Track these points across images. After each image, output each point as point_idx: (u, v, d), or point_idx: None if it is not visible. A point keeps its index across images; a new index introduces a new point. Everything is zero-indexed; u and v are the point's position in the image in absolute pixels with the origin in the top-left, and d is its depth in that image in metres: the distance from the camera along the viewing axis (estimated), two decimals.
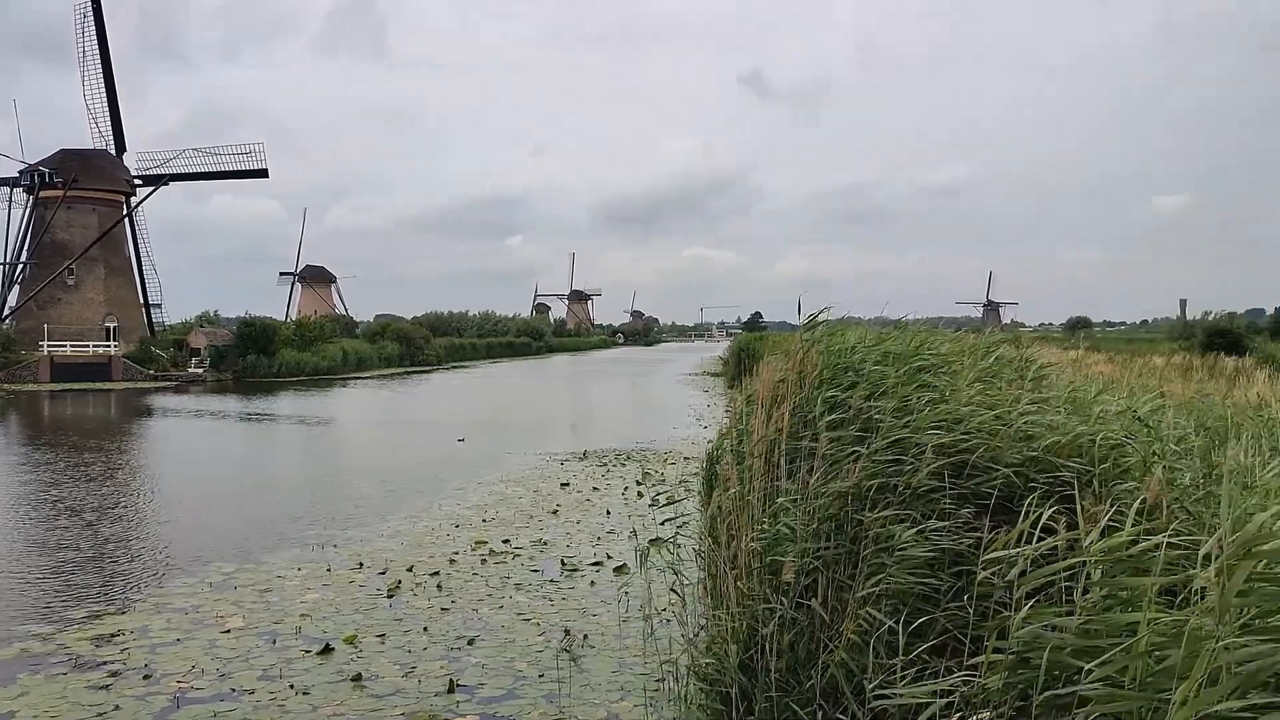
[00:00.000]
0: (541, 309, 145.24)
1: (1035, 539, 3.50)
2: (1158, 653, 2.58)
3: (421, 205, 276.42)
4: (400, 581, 9.89)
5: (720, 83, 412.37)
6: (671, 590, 7.94)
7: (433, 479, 16.93)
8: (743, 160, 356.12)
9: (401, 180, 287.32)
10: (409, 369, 62.52)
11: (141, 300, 56.63)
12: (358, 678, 7.10)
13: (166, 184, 54.84)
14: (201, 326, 58.57)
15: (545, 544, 11.71)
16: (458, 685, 6.97)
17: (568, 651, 7.66)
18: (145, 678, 7.13)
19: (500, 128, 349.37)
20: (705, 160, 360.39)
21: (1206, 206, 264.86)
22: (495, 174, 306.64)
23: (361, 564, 10.70)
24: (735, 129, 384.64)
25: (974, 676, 3.32)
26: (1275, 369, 23.08)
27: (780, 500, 5.96)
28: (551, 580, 10.00)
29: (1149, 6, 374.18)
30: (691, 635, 6.77)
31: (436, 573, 10.28)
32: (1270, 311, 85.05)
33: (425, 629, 8.32)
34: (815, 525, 5.32)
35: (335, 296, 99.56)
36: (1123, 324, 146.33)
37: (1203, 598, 2.71)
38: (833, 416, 6.24)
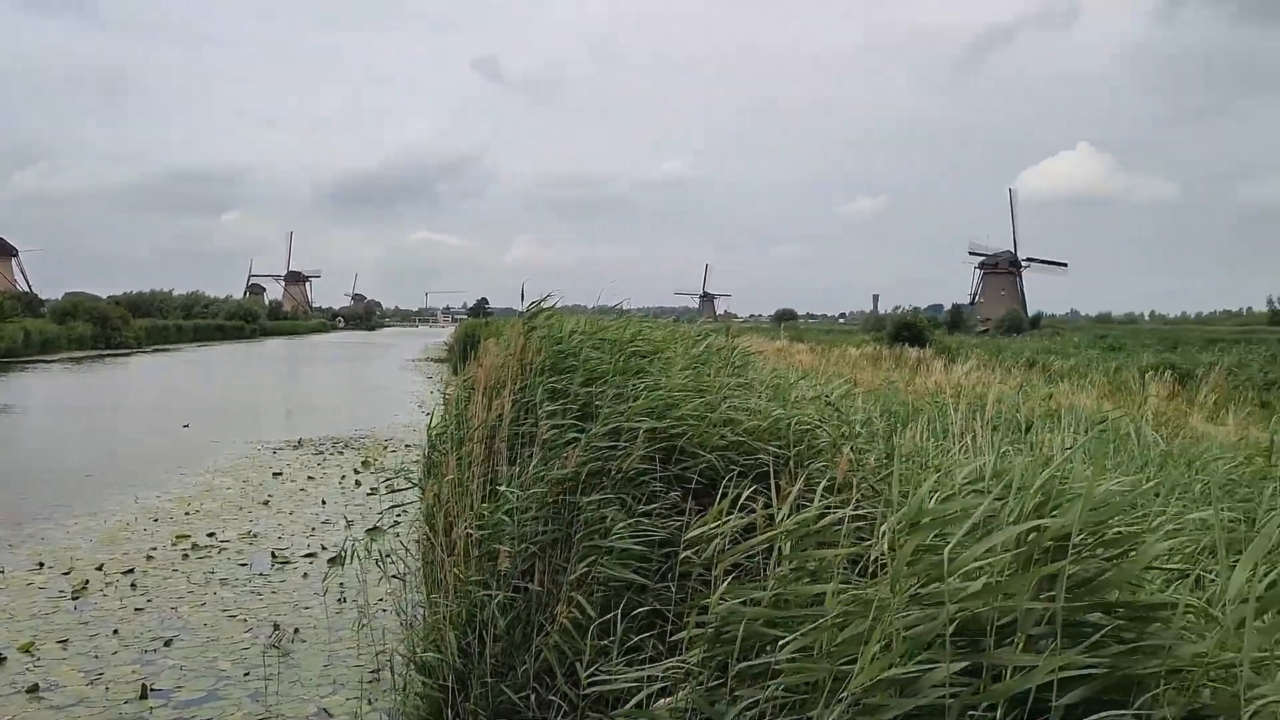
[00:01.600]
0: (256, 290, 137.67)
1: (735, 518, 3.71)
2: (841, 622, 2.80)
3: (126, 176, 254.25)
4: (88, 582, 9.11)
5: (453, 66, 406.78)
6: (393, 578, 7.79)
7: (129, 471, 15.69)
8: (475, 145, 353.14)
9: (103, 148, 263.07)
10: (104, 352, 57.43)
11: None
12: (34, 688, 6.48)
13: None
14: None
15: (255, 536, 11.15)
16: (151, 690, 6.51)
17: (276, 647, 7.35)
18: None
19: (221, 100, 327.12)
20: (437, 143, 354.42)
21: (900, 210, 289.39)
22: (212, 147, 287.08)
23: (42, 564, 9.75)
24: (468, 114, 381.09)
25: (678, 653, 3.49)
26: (949, 359, 25.59)
27: (500, 486, 5.99)
28: (261, 574, 9.54)
29: (857, 20, 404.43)
30: (409, 624, 6.68)
31: (130, 571, 9.55)
32: (948, 307, 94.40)
33: (116, 631, 7.71)
34: (534, 511, 5.39)
35: (16, 271, 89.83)
36: (824, 316, 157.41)
37: (881, 568, 2.98)
38: (552, 404, 6.33)
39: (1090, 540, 2.72)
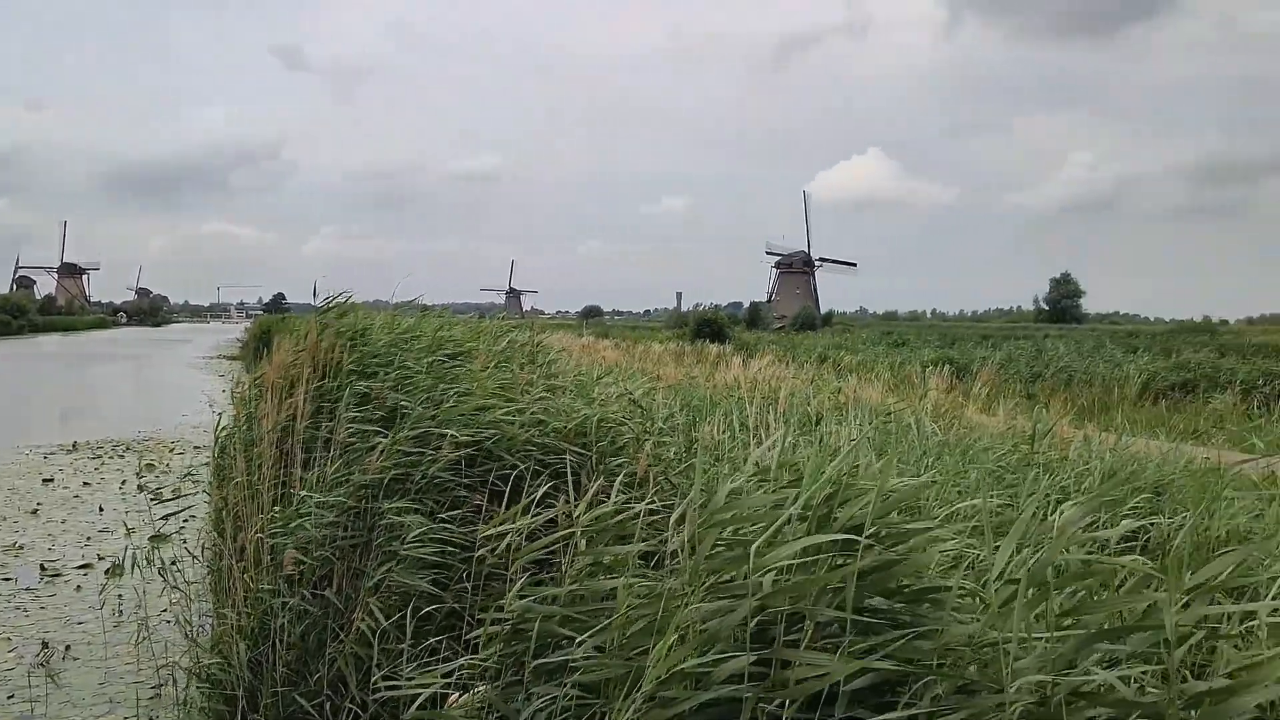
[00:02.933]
0: (25, 284, 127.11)
1: (532, 516, 3.71)
2: (634, 617, 2.83)
3: None
4: None
5: (252, 51, 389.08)
6: (175, 589, 7.38)
7: None
8: (275, 134, 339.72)
9: None
10: None
11: None
12: None
13: None
14: None
15: (20, 548, 10.31)
16: None
17: (44, 666, 6.82)
18: None
19: None
20: (233, 131, 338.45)
21: (704, 209, 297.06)
22: None
23: None
24: (267, 101, 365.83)
25: (476, 654, 3.45)
26: (748, 355, 26.45)
27: (295, 490, 5.77)
28: (27, 588, 8.84)
29: (667, 22, 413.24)
30: (193, 636, 6.35)
31: None
32: (747, 305, 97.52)
33: None
34: (332, 515, 5.22)
35: None
36: (629, 313, 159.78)
37: (674, 560, 3.03)
38: (356, 408, 6.14)
39: (878, 531, 2.85)
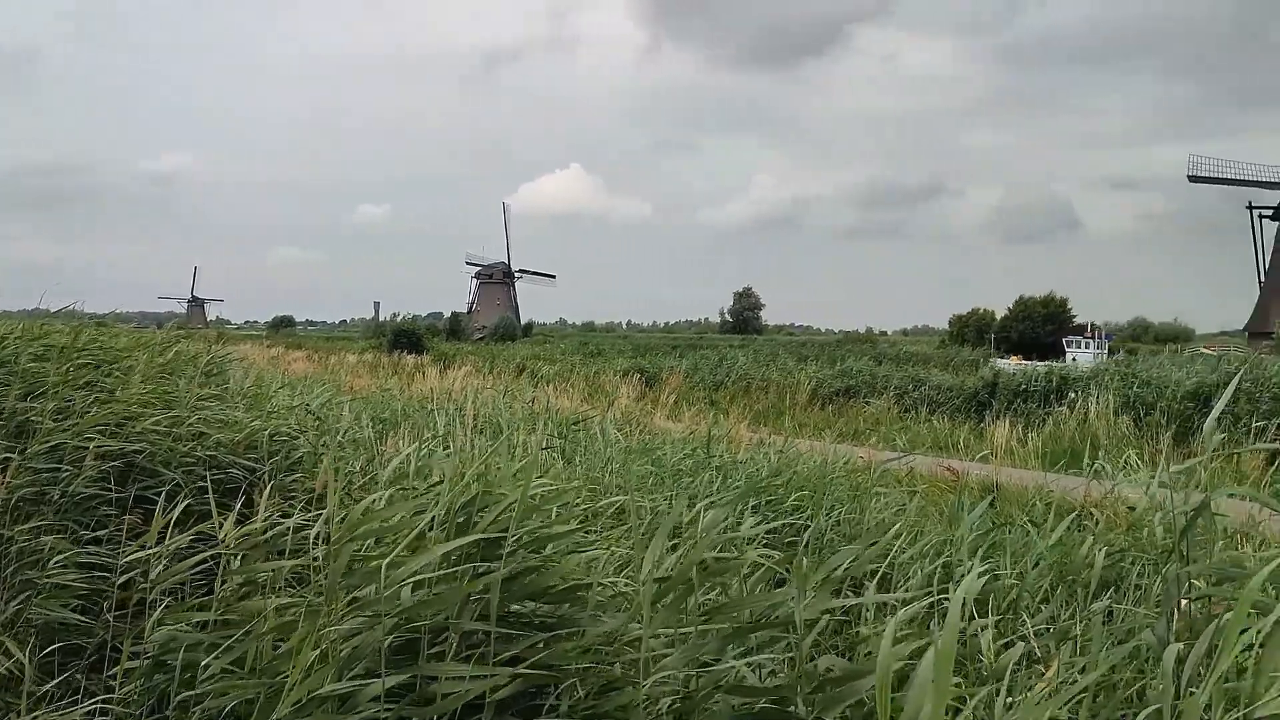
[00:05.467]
0: None
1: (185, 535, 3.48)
2: (279, 636, 2.67)
3: None
4: None
5: None
6: None
7: None
8: None
9: None
10: None
11: None
12: None
13: None
14: None
15: None
16: None
17: None
18: None
19: None
20: None
21: (404, 218, 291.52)
22: None
23: None
24: None
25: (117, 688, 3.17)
26: (445, 365, 26.27)
27: None
28: None
29: (383, 35, 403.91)
30: None
31: None
32: (448, 315, 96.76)
33: None
34: None
35: None
36: (324, 323, 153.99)
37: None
38: None
39: (519, 535, 2.83)
